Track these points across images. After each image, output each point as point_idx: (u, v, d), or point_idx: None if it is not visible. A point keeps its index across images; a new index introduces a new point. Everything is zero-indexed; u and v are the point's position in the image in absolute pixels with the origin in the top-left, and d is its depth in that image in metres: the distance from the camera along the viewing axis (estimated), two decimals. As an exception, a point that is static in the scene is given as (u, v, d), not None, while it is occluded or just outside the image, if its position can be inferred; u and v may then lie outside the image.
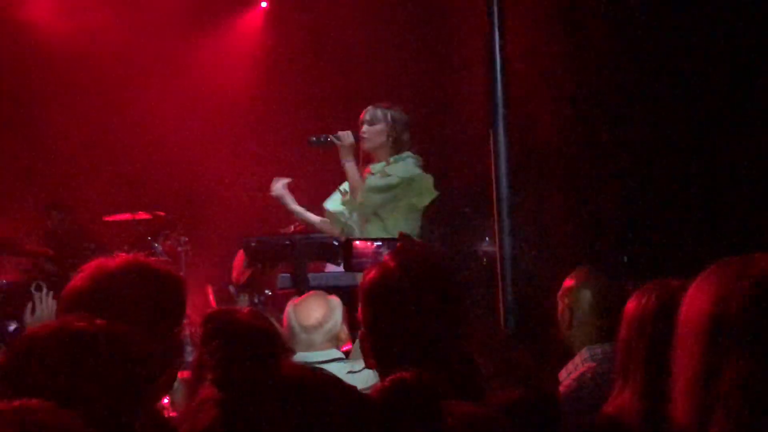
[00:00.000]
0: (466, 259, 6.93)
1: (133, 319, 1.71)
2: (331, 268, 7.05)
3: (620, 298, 2.71)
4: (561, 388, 2.85)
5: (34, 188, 8.04)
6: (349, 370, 3.21)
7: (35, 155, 8.06)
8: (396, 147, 4.79)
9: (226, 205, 7.96)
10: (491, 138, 4.24)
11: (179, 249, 7.06)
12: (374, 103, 4.89)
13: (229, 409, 1.08)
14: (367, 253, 4.90)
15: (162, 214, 7.56)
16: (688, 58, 6.18)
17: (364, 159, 4.84)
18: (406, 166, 4.77)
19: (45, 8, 8.03)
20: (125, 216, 7.61)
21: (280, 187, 4.86)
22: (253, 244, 6.65)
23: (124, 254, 1.97)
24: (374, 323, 1.90)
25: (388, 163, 4.74)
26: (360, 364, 3.24)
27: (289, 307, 3.40)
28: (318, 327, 3.31)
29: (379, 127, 4.76)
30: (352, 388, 1.19)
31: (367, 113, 4.79)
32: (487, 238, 6.83)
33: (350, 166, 4.68)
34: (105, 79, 8.23)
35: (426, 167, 4.90)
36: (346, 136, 4.69)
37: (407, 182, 4.72)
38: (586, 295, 2.98)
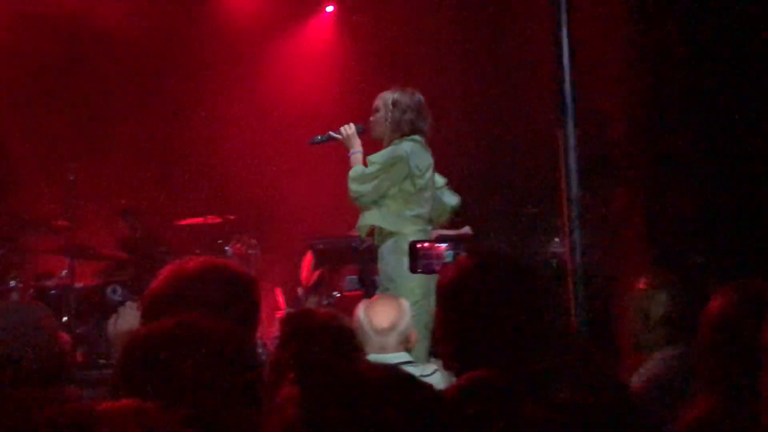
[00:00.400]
0: (535, 260, 6.86)
1: (211, 319, 1.73)
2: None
3: (694, 300, 2.65)
4: (634, 391, 2.80)
5: (108, 194, 8.24)
6: (420, 373, 3.21)
7: (108, 161, 8.25)
8: (397, 131, 4.66)
9: (295, 208, 8.04)
10: (560, 136, 4.19)
11: (249, 252, 7.15)
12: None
13: (310, 407, 1.09)
14: (432, 255, 4.87)
15: (232, 217, 7.66)
16: (761, 54, 6.02)
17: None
18: (392, 151, 4.63)
19: (117, 11, 8.21)
20: (196, 220, 7.74)
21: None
22: (320, 247, 6.72)
23: (199, 257, 2.00)
24: (453, 323, 1.88)
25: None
26: (430, 367, 3.25)
27: (360, 310, 3.39)
28: (391, 330, 3.29)
29: (380, 114, 4.68)
30: (428, 387, 1.19)
31: (377, 99, 4.70)
32: (556, 239, 6.75)
33: (354, 158, 4.65)
34: (175, 86, 8.40)
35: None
36: (346, 129, 4.67)
37: (386, 168, 4.59)
38: (660, 297, 2.92)
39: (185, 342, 1.39)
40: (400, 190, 4.64)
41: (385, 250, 4.62)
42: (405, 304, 3.44)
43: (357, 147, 4.66)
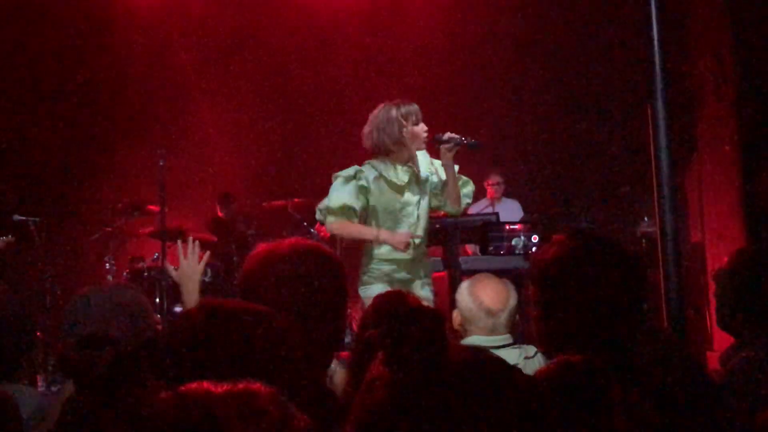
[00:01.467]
0: (625, 241, 6.73)
1: (306, 300, 1.76)
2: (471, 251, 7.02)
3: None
4: (722, 376, 2.71)
5: (198, 180, 8.43)
6: (525, 355, 3.14)
7: (197, 148, 8.44)
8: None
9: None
10: (650, 114, 4.09)
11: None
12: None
13: (399, 389, 1.09)
14: (503, 237, 4.81)
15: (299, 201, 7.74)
16: None
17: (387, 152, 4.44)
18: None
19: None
20: (281, 203, 7.84)
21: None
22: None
23: (288, 239, 2.02)
24: (551, 304, 1.84)
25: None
26: (532, 349, 3.17)
27: (466, 291, 3.20)
28: (503, 311, 3.15)
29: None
30: (517, 370, 1.18)
31: (419, 113, 4.43)
32: (645, 218, 6.60)
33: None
34: (257, 70, 8.51)
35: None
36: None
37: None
38: (747, 276, 2.79)
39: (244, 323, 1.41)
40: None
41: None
42: (510, 284, 3.32)
43: None
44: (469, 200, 4.65)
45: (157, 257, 7.09)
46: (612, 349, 1.71)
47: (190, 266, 2.81)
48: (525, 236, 4.63)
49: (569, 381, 1.28)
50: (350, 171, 4.40)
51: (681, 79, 6.20)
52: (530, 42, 8.19)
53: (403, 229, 4.40)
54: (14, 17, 7.98)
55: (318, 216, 4.60)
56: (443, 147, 4.41)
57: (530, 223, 4.73)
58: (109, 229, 7.43)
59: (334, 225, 4.36)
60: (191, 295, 2.80)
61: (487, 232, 4.69)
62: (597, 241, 1.88)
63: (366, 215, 4.42)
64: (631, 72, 6.24)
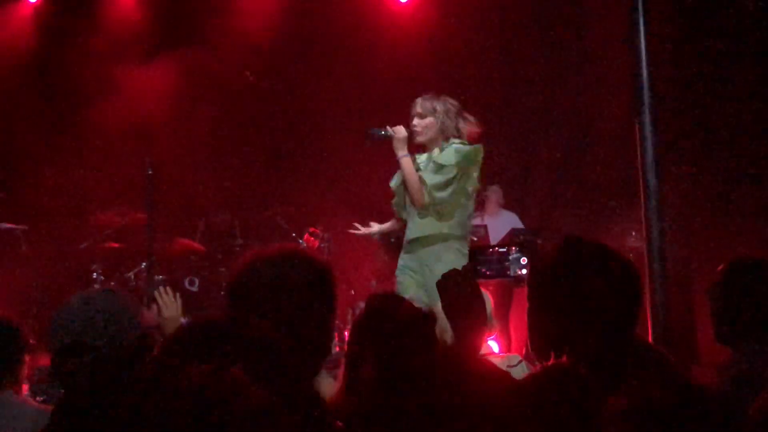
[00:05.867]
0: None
1: (293, 305, 1.76)
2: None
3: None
4: (716, 388, 2.72)
5: (187, 189, 8.41)
6: (508, 364, 3.20)
7: (185, 158, 8.42)
8: (445, 137, 4.80)
9: (365, 202, 8.06)
10: (637, 127, 4.13)
11: (321, 245, 7.20)
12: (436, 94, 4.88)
13: (387, 389, 1.10)
14: (498, 259, 4.85)
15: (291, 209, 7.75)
16: None
17: (415, 151, 4.88)
18: (456, 153, 4.72)
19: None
20: (269, 213, 7.83)
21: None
22: (393, 240, 6.73)
23: (276, 245, 2.03)
24: (547, 312, 1.85)
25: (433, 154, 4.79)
26: (516, 357, 3.23)
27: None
28: None
29: (429, 119, 4.77)
30: (505, 374, 1.19)
31: (417, 106, 4.80)
32: (633, 233, 6.63)
33: (407, 160, 4.72)
34: (242, 80, 8.52)
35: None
36: (400, 130, 4.74)
37: (463, 169, 4.71)
38: (742, 288, 2.81)
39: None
40: (461, 192, 4.76)
41: (442, 249, 4.69)
42: (485, 292, 3.43)
43: (406, 151, 4.75)
44: (442, 193, 4.73)
45: (145, 266, 7.06)
46: (603, 356, 1.72)
47: (169, 314, 2.96)
48: (514, 258, 4.66)
49: (557, 385, 1.30)
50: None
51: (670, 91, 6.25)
52: (516, 59, 8.25)
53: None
54: None
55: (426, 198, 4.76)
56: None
57: (518, 244, 4.77)
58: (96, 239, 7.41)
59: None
60: None
61: (477, 256, 4.73)
62: (590, 248, 1.90)
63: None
64: (619, 88, 6.29)
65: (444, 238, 4.72)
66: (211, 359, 1.14)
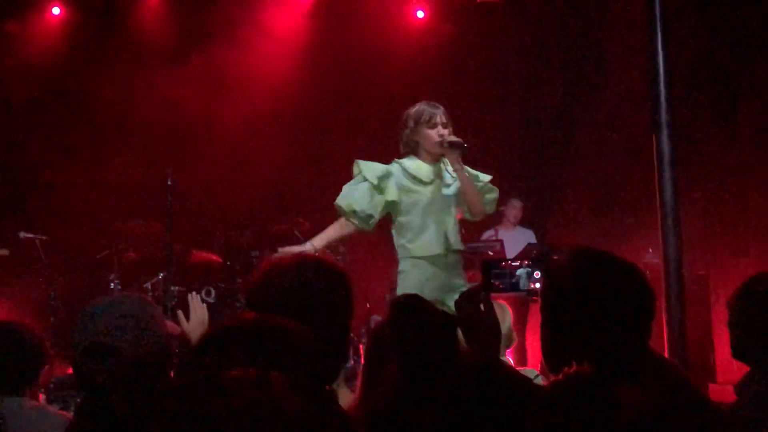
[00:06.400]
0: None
1: (312, 310, 1.77)
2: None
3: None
4: (735, 403, 2.70)
5: (202, 199, 8.46)
6: None
7: (202, 168, 8.48)
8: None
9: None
10: (655, 145, 4.13)
11: (337, 258, 7.22)
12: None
13: (410, 390, 1.11)
14: (506, 274, 4.82)
15: (302, 221, 7.77)
16: None
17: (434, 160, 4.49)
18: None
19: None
20: (286, 226, 7.86)
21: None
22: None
23: (295, 253, 2.04)
24: (558, 322, 1.85)
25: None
26: (532, 372, 3.23)
27: None
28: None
29: (450, 130, 4.47)
30: (527, 379, 1.20)
31: (442, 115, 4.46)
32: (650, 250, 6.61)
33: (466, 172, 4.45)
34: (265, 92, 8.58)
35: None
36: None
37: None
38: (761, 303, 2.79)
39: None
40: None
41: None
42: (503, 305, 3.49)
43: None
44: (490, 209, 4.61)
45: (163, 277, 7.10)
46: (616, 368, 1.72)
47: (195, 322, 2.98)
48: (527, 272, 4.65)
49: (577, 392, 1.30)
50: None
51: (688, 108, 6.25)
52: (533, 75, 8.27)
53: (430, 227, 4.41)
54: None
55: None
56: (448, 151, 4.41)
57: (532, 258, 4.74)
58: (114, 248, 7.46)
59: None
60: None
61: (490, 270, 4.70)
62: (599, 258, 1.90)
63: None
64: (637, 104, 6.29)
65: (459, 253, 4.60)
66: (247, 363, 1.16)
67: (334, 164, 8.51)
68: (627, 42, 6.73)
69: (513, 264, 4.94)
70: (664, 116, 4.11)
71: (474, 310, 1.95)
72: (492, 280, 4.25)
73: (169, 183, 6.35)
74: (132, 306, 2.11)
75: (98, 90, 8.30)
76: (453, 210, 4.51)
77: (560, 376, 1.33)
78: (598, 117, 7.86)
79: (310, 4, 8.84)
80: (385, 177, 4.45)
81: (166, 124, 8.43)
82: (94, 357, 1.94)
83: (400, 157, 4.52)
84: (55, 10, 8.59)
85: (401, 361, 1.10)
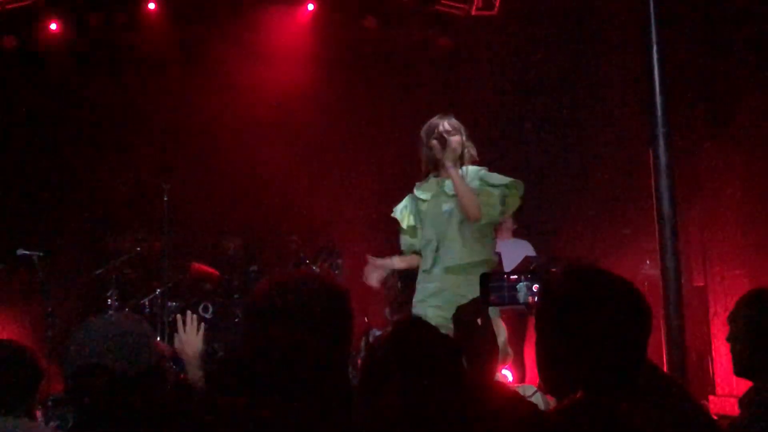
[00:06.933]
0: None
1: (311, 328, 1.77)
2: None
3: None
4: (739, 417, 2.69)
5: (200, 214, 8.44)
6: (522, 394, 3.19)
7: (201, 183, 8.46)
8: (463, 157, 4.53)
9: (375, 229, 8.05)
10: (651, 158, 4.13)
11: (335, 272, 7.21)
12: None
13: (413, 418, 1.09)
14: (504, 287, 4.78)
15: (294, 238, 7.75)
16: None
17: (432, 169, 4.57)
18: (499, 177, 4.51)
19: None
20: (282, 239, 7.85)
21: (374, 279, 4.61)
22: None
23: (295, 270, 2.04)
24: (560, 346, 1.83)
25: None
26: (531, 388, 3.21)
27: None
28: None
29: (458, 137, 4.48)
30: (532, 405, 1.18)
31: (447, 123, 4.48)
32: (648, 261, 6.60)
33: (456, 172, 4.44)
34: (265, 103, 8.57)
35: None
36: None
37: (507, 192, 4.49)
38: (762, 318, 2.77)
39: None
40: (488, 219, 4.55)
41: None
42: (500, 322, 3.44)
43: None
44: (494, 213, 4.49)
45: (160, 293, 7.08)
46: (611, 385, 1.70)
47: (188, 338, 3.01)
48: (526, 285, 4.59)
49: (582, 419, 1.28)
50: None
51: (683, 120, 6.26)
52: (530, 87, 8.29)
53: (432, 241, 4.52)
54: None
55: None
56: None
57: (530, 271, 4.69)
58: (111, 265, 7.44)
59: None
60: (191, 364, 3.03)
61: (488, 283, 4.65)
62: (590, 275, 1.89)
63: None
64: (634, 116, 6.30)
65: (484, 264, 4.42)
66: (242, 393, 1.14)
67: (333, 175, 8.54)
68: (623, 54, 6.74)
69: (511, 277, 4.94)
70: (660, 128, 4.12)
71: (472, 324, 1.94)
72: (490, 294, 4.24)
73: (165, 199, 6.34)
74: (125, 325, 2.10)
75: (96, 104, 8.30)
76: (455, 222, 4.45)
77: (564, 402, 1.31)
78: (595, 128, 7.86)
79: (311, 12, 8.86)
80: (405, 214, 4.68)
81: (167, 133, 8.43)
82: (88, 377, 1.93)
83: (421, 177, 4.64)
84: (53, 26, 8.58)
85: (403, 389, 1.08)
